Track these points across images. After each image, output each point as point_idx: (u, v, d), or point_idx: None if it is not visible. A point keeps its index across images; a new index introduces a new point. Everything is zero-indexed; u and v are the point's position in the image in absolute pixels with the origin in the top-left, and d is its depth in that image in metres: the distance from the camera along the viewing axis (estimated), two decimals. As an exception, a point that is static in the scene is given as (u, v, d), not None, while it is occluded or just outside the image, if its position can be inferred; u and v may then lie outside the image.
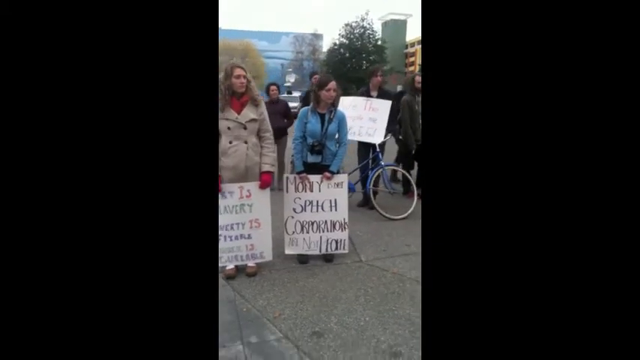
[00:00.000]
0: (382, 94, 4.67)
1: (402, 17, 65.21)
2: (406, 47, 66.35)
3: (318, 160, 3.14)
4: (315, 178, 3.15)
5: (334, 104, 3.17)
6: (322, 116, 3.14)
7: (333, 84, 3.05)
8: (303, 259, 3.21)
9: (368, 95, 4.66)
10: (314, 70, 6.41)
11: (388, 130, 4.48)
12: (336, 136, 3.20)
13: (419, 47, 63.05)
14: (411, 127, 4.98)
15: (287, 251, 3.23)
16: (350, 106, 4.66)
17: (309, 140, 3.12)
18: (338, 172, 3.22)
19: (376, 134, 4.47)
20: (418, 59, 53.51)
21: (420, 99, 5.09)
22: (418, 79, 5.12)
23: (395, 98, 4.98)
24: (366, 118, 4.53)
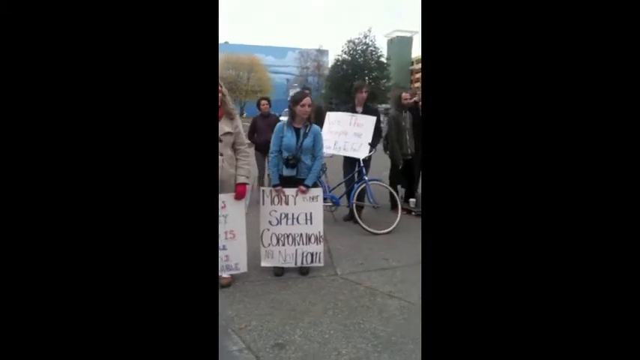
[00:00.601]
0: (367, 110, 4.73)
1: (408, 34, 65.98)
2: (412, 64, 66.94)
3: (293, 174, 3.19)
4: (290, 192, 3.19)
5: (310, 119, 3.23)
6: (297, 131, 3.21)
7: (307, 100, 3.13)
8: (278, 272, 3.24)
9: (353, 111, 4.73)
10: (305, 86, 6.52)
11: (371, 144, 4.52)
12: (312, 150, 3.25)
13: (425, 64, 63.54)
14: (397, 142, 5.05)
15: (263, 263, 3.25)
16: (336, 121, 4.74)
17: (285, 154, 3.18)
18: (313, 186, 3.26)
19: (361, 149, 4.53)
20: (424, 75, 53.77)
21: (406, 115, 5.17)
22: (405, 95, 5.22)
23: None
24: (351, 134, 4.60)
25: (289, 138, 3.18)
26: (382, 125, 5.28)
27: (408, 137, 5.15)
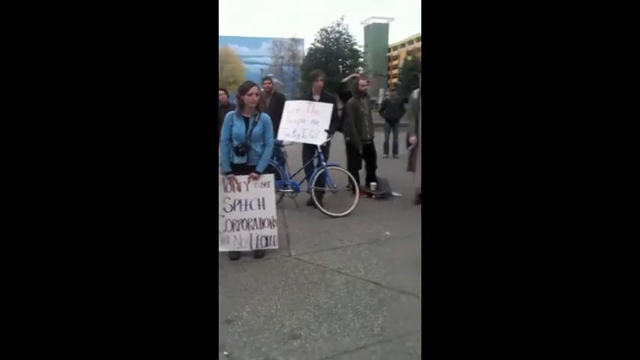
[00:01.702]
0: (324, 98, 4.88)
1: (384, 21, 65.97)
2: (389, 50, 67.05)
3: (243, 162, 3.33)
4: (242, 179, 3.33)
5: (258, 108, 3.36)
6: (247, 120, 3.34)
7: (254, 89, 3.26)
8: (234, 256, 3.38)
9: (311, 99, 4.87)
10: (266, 75, 6.59)
11: (328, 130, 4.67)
12: (262, 138, 3.39)
13: (402, 50, 63.93)
14: (357, 128, 5.22)
15: (219, 249, 3.39)
16: (294, 109, 4.88)
17: (235, 142, 3.31)
18: (266, 172, 3.41)
19: (319, 136, 4.68)
20: (401, 62, 54.26)
21: (364, 101, 5.34)
22: (362, 82, 5.39)
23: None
24: (309, 121, 4.74)
25: (239, 127, 3.31)
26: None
27: (367, 123, 5.34)
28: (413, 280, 2.93)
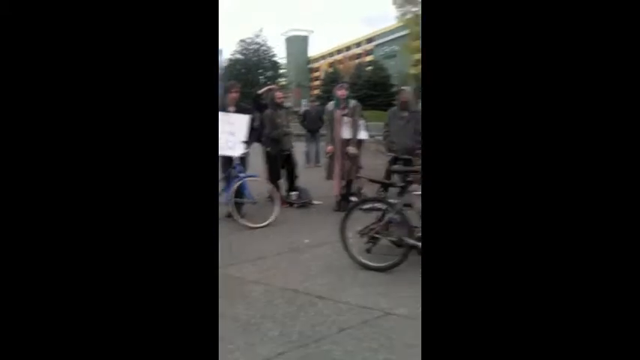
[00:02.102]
0: (240, 109, 4.88)
1: (304, 33, 67.37)
2: (309, 62, 68.49)
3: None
4: (153, 193, 3.21)
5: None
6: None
7: None
8: (147, 275, 3.23)
9: (225, 111, 4.84)
10: None
11: (246, 142, 4.68)
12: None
13: (323, 62, 65.69)
14: (274, 139, 5.28)
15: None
16: (210, 121, 4.80)
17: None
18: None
19: (236, 147, 4.66)
20: (322, 74, 55.70)
21: (282, 112, 5.43)
22: (278, 94, 5.49)
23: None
24: (225, 132, 4.69)
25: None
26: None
27: (284, 133, 5.42)
28: (329, 285, 3.03)
